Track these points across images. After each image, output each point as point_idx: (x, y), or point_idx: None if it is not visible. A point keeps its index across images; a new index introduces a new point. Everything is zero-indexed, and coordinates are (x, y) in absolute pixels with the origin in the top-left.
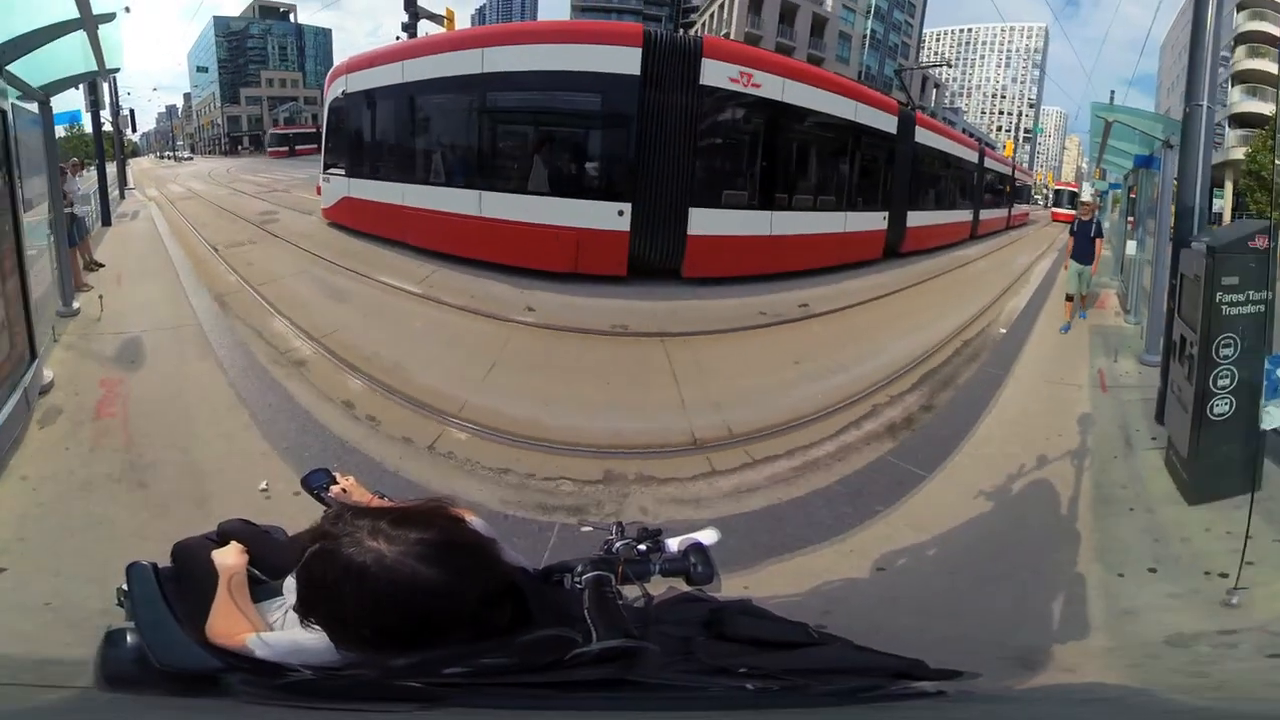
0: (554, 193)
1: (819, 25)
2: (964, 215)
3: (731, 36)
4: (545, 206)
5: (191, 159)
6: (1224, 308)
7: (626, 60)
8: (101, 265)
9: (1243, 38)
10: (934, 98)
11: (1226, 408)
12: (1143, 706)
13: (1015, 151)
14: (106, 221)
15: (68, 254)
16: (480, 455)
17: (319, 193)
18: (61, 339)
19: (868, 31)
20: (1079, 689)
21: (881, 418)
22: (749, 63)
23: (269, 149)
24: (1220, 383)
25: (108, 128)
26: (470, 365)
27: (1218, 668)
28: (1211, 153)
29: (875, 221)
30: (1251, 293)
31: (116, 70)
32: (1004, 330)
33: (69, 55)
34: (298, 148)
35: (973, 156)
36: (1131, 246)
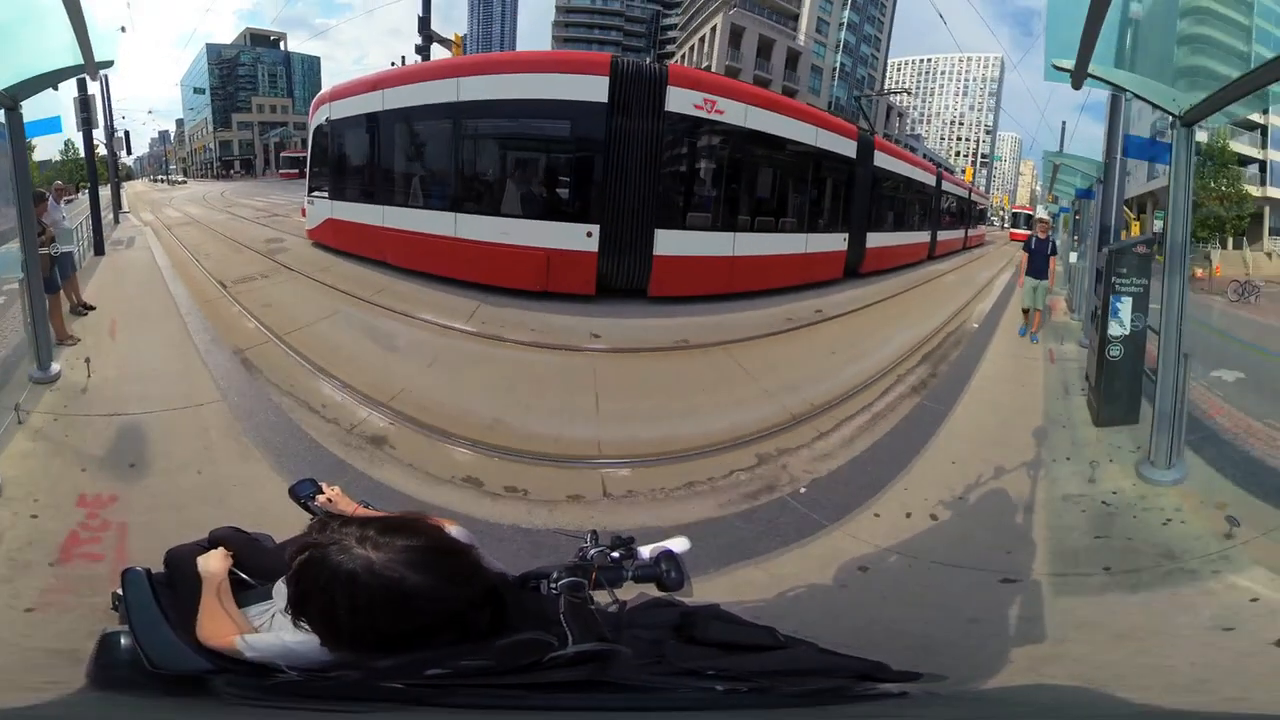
0: (526, 215)
1: (793, 59)
2: (921, 236)
3: (713, 69)
4: (517, 228)
5: (186, 182)
6: (1117, 286)
7: (595, 88)
8: (92, 308)
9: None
10: (897, 126)
11: (1118, 352)
12: (1097, 706)
13: (974, 176)
14: (100, 250)
15: (43, 301)
16: (655, 482)
17: (304, 214)
18: (30, 419)
19: (837, 65)
20: (1041, 690)
21: (907, 381)
22: (713, 90)
23: (280, 170)
24: (1112, 344)
25: (101, 150)
26: (573, 400)
27: (1168, 665)
28: (1124, 191)
29: (836, 243)
30: (1135, 279)
31: (109, 65)
32: (976, 325)
33: (46, 49)
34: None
35: (930, 180)
36: (1074, 257)
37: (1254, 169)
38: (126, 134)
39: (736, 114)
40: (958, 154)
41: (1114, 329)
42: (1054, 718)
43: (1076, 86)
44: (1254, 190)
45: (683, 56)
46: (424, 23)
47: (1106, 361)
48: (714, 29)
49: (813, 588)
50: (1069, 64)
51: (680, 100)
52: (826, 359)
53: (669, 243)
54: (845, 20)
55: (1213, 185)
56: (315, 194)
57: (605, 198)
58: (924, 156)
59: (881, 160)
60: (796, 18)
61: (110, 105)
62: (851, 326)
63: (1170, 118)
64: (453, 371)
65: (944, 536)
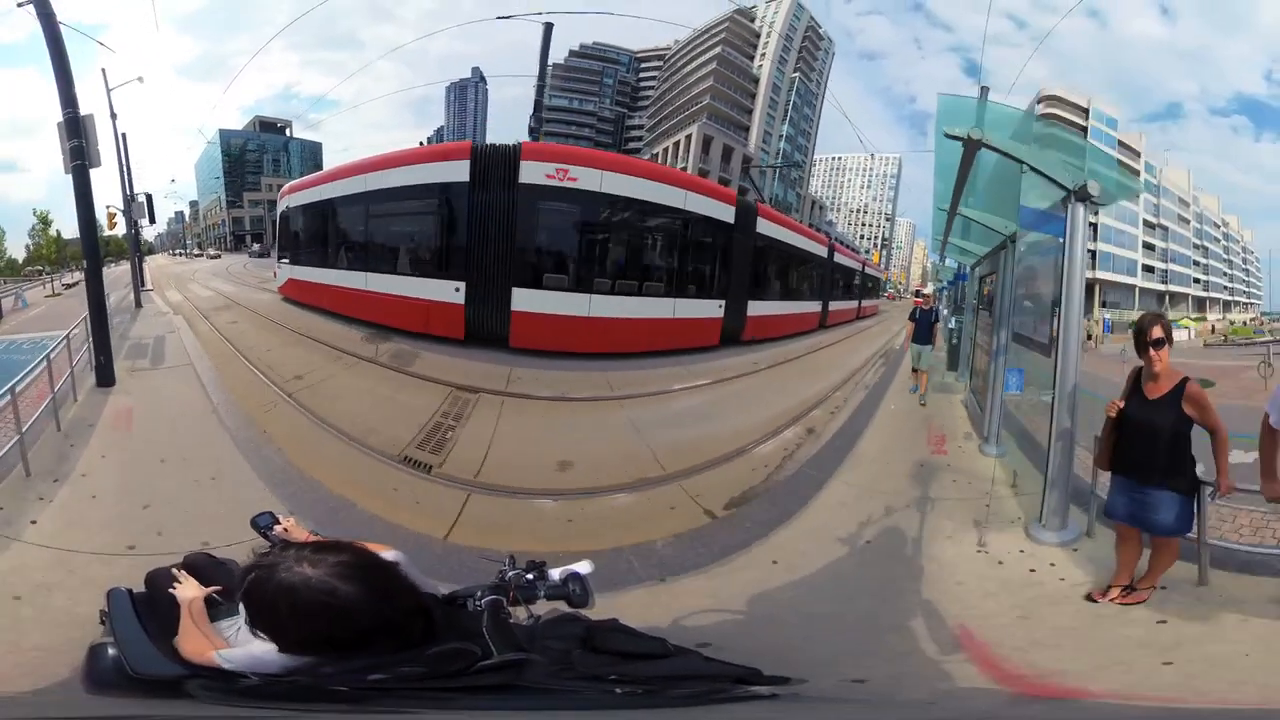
0: (412, 273)
1: (746, 163)
2: (812, 306)
3: (689, 170)
4: (407, 283)
5: (219, 256)
6: (951, 320)
7: (459, 171)
8: None
9: None
10: (819, 215)
11: (955, 341)
12: (957, 703)
13: (880, 260)
14: (105, 378)
15: None
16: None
17: (275, 276)
18: None
19: (777, 167)
20: (900, 691)
21: (866, 377)
22: (564, 160)
23: None
24: (952, 335)
25: (118, 222)
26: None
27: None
28: (969, 280)
29: (710, 309)
30: (958, 316)
31: None
32: (898, 346)
33: None
34: None
35: (821, 251)
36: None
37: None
38: (149, 197)
39: (591, 180)
40: (861, 237)
41: (949, 325)
42: (909, 714)
43: (969, 155)
44: (1087, 272)
45: (655, 156)
46: (538, 105)
47: (950, 346)
48: (688, 137)
49: (700, 605)
50: (961, 131)
51: (532, 172)
52: (782, 390)
53: (525, 300)
54: (784, 132)
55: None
56: (282, 260)
57: (470, 259)
58: (838, 241)
59: (766, 228)
60: (748, 129)
61: (127, 159)
62: (798, 367)
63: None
64: None
65: (811, 551)
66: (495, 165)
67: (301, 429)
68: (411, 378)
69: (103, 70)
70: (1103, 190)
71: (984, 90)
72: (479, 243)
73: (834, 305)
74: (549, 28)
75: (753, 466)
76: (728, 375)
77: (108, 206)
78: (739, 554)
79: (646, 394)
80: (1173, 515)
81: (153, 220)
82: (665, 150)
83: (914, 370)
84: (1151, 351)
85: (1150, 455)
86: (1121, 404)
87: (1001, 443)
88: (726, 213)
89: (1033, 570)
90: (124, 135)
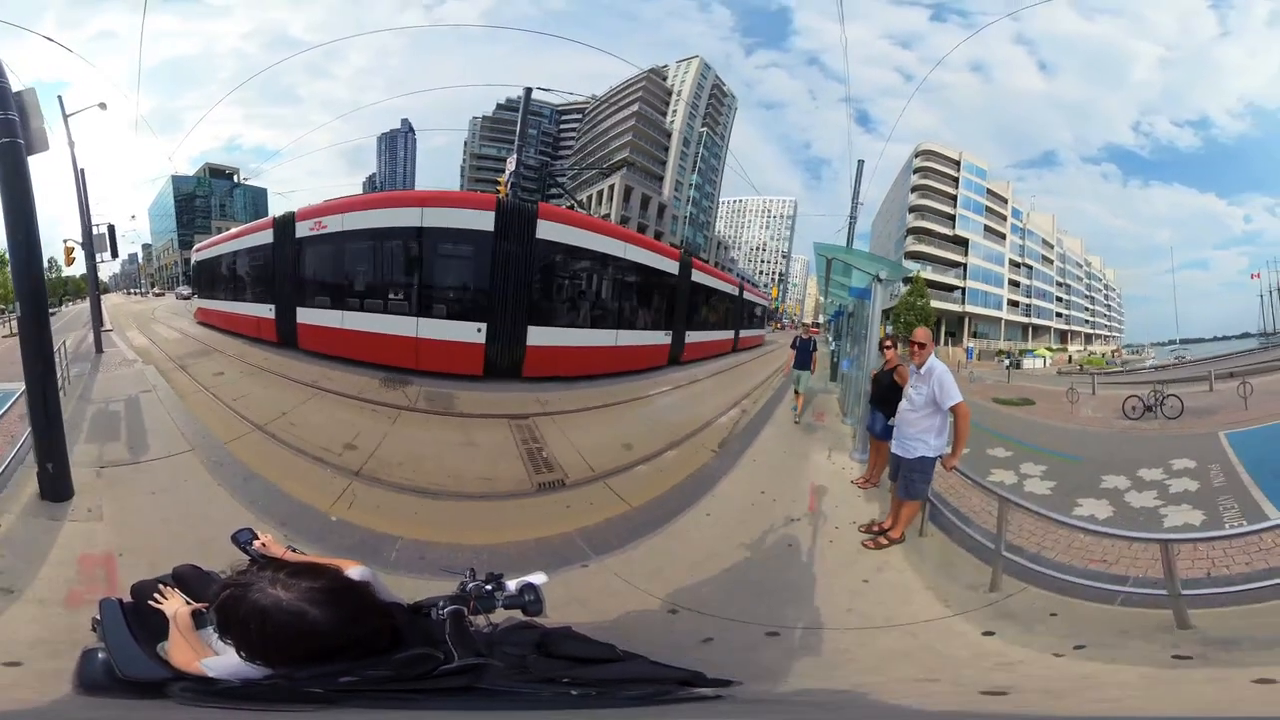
0: (250, 300)
1: (661, 210)
2: (653, 337)
3: (611, 217)
4: (247, 307)
5: (190, 296)
6: (834, 344)
7: (268, 235)
8: None
9: (912, 230)
10: (722, 253)
11: (836, 362)
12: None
13: (779, 294)
14: (57, 490)
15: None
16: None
17: (189, 305)
18: None
19: (687, 214)
20: (832, 694)
21: (770, 384)
22: (319, 214)
23: None
24: (834, 355)
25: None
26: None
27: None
28: (839, 316)
29: (464, 333)
30: (836, 341)
31: None
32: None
33: None
34: None
35: (670, 267)
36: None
37: (958, 293)
38: (111, 229)
39: (335, 224)
40: (761, 273)
41: (832, 347)
42: (841, 715)
43: (828, 263)
44: (958, 307)
45: (578, 204)
46: (518, 164)
47: (832, 364)
48: (611, 187)
49: (646, 611)
50: (828, 254)
51: (302, 229)
52: (706, 398)
53: (305, 315)
54: (693, 181)
55: (919, 304)
56: (195, 295)
57: (277, 290)
58: (699, 257)
59: (551, 232)
60: (661, 179)
61: (86, 194)
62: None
63: (871, 277)
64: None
65: (753, 565)
66: (285, 228)
67: (424, 510)
68: (468, 418)
69: (59, 98)
70: (888, 274)
71: (850, 239)
72: (280, 278)
73: (695, 336)
74: (529, 91)
75: (719, 428)
76: (682, 383)
77: (65, 241)
78: (738, 462)
79: (638, 398)
80: (879, 427)
81: (115, 254)
82: (590, 197)
83: (795, 393)
84: (885, 350)
85: (877, 394)
86: (876, 372)
87: (853, 415)
88: (481, 220)
89: (843, 469)
90: (83, 170)
